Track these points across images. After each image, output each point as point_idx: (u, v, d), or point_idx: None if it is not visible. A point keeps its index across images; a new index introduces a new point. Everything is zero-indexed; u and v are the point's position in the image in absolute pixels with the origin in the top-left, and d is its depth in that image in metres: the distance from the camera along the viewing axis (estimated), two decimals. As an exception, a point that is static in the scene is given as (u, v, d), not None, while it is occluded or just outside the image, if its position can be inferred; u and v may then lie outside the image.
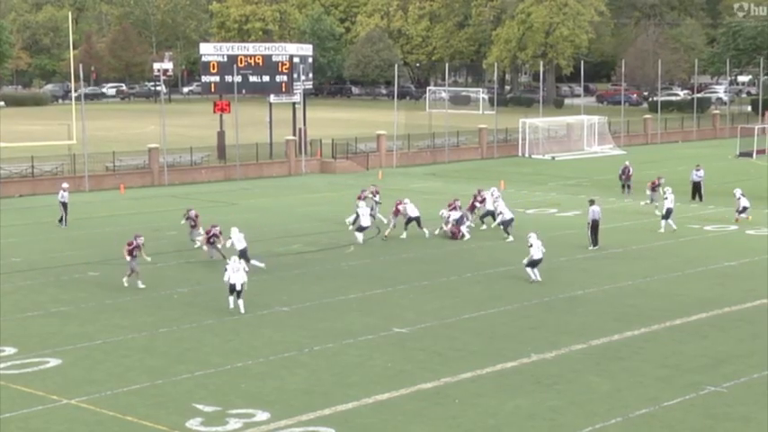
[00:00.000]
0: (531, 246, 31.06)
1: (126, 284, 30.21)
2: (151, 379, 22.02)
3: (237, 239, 31.59)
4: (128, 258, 30.16)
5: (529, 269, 31.12)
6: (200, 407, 20.25)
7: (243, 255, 30.77)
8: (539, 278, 31.01)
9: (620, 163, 54.52)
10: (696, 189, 48.80)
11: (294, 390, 21.39)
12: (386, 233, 38.35)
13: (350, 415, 19.94)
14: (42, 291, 30.27)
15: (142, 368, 22.87)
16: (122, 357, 23.66)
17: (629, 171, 51.66)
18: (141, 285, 30.04)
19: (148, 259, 31.10)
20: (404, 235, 38.12)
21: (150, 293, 29.51)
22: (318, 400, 20.65)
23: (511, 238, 37.54)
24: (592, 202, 37.19)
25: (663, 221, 39.86)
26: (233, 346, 24.58)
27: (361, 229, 37.40)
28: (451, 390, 21.37)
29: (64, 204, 41.54)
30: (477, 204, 40.96)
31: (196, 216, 36.60)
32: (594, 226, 36.59)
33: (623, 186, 51.45)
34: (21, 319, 27.13)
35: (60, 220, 41.57)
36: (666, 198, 39.93)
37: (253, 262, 31.46)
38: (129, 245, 30.26)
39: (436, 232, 38.47)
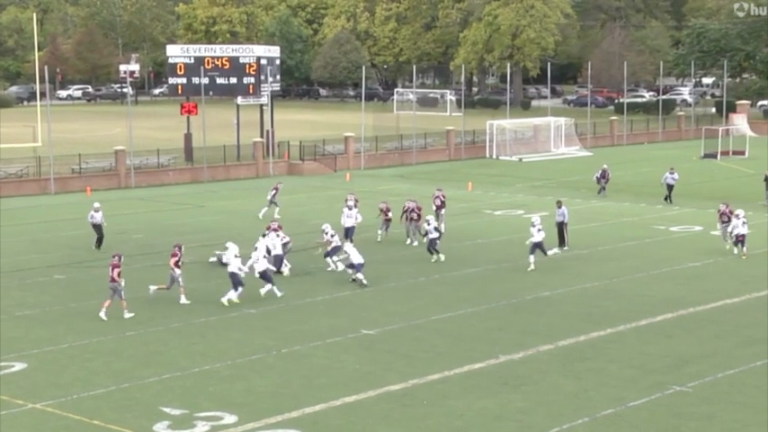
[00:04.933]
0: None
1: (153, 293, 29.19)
2: (117, 383, 21.91)
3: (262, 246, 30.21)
4: (177, 271, 28.55)
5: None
6: (167, 410, 20.18)
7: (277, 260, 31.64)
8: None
9: (586, 164, 54.83)
10: (670, 191, 48.78)
11: (262, 392, 21.37)
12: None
13: (318, 417, 19.94)
14: (7, 294, 30.01)
15: (108, 372, 22.74)
16: (88, 361, 23.52)
17: (607, 174, 51.86)
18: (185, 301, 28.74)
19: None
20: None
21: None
22: (286, 403, 20.64)
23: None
24: (559, 204, 37.38)
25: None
26: (200, 349, 24.50)
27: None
28: (419, 391, 21.42)
29: (96, 226, 36.86)
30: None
31: (387, 209, 37.92)
32: (561, 227, 36.82)
33: (601, 189, 51.47)
34: (-15, 323, 26.91)
35: (98, 243, 36.78)
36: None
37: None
38: (174, 256, 28.63)
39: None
